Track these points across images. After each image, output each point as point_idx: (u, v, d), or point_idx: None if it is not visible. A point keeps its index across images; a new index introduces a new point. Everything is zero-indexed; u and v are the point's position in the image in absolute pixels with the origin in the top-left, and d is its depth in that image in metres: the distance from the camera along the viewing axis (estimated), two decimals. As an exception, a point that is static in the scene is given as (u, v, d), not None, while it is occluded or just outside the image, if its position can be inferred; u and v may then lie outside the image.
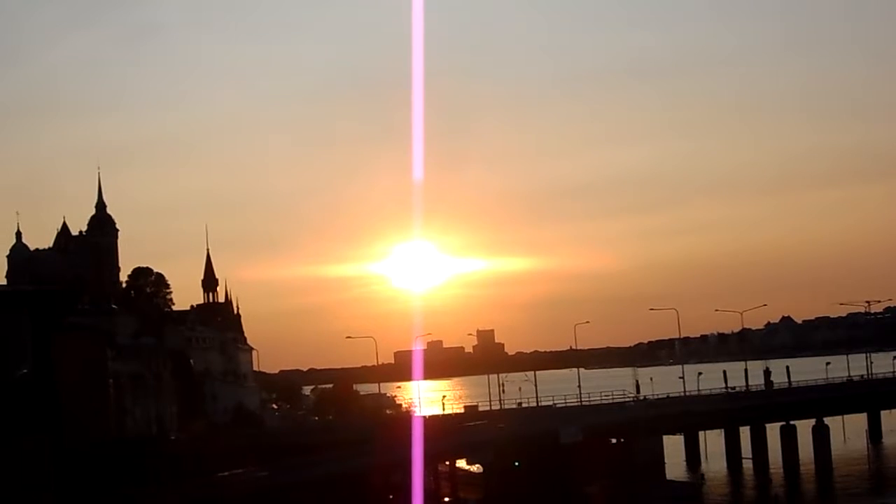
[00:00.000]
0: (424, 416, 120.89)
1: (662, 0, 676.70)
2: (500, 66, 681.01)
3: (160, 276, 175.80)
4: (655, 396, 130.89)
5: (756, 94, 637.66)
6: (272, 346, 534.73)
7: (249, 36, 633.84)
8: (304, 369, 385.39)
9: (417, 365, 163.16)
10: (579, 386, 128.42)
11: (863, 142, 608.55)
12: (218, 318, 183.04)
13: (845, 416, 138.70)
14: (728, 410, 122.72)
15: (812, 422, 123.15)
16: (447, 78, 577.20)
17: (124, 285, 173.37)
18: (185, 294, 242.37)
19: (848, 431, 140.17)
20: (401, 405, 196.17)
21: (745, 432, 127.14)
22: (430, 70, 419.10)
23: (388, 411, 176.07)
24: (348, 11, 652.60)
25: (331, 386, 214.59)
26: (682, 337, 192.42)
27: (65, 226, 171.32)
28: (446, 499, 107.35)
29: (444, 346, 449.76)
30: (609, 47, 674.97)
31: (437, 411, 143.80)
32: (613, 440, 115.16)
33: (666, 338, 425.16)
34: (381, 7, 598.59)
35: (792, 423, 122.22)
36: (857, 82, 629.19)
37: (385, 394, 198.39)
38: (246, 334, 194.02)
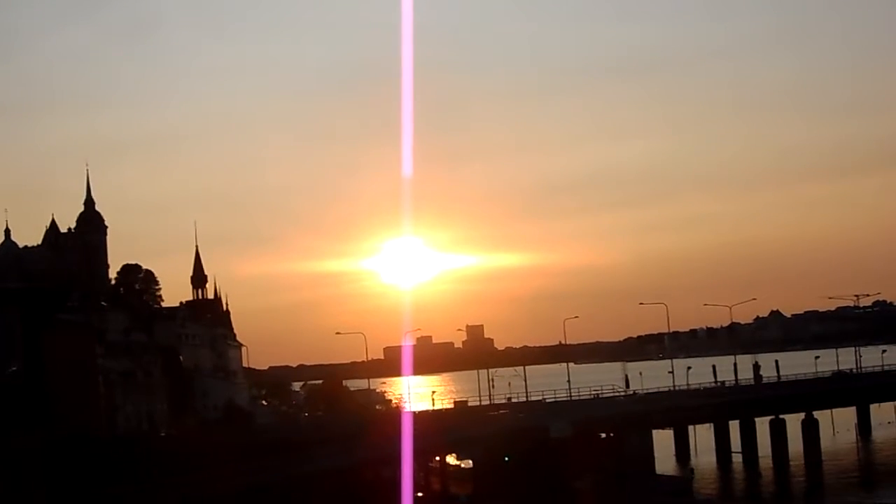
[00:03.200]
0: (414, 412, 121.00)
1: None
2: (491, 62, 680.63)
3: (150, 273, 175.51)
4: (645, 391, 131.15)
5: (747, 88, 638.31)
6: (262, 343, 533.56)
7: (239, 33, 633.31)
8: (294, 365, 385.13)
9: (407, 360, 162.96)
10: (569, 381, 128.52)
11: (853, 136, 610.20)
12: (207, 314, 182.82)
13: (834, 409, 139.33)
14: (717, 405, 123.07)
15: (801, 416, 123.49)
16: (438, 73, 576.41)
17: (114, 282, 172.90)
18: (175, 291, 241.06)
19: (837, 425, 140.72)
20: (390, 401, 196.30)
21: (734, 426, 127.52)
22: (421, 66, 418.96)
23: (377, 407, 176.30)
24: (339, 8, 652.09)
25: (320, 382, 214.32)
26: (671, 331, 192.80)
27: (53, 223, 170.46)
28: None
29: (434, 341, 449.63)
30: (599, 42, 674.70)
31: (427, 407, 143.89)
32: (603, 435, 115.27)
33: (655, 332, 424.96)
34: (371, 3, 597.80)
35: (781, 417, 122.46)
36: (847, 77, 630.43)
37: (375, 389, 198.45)
38: (235, 331, 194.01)
